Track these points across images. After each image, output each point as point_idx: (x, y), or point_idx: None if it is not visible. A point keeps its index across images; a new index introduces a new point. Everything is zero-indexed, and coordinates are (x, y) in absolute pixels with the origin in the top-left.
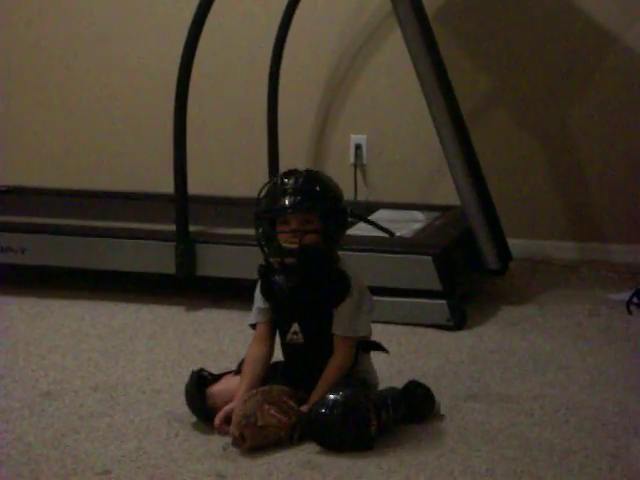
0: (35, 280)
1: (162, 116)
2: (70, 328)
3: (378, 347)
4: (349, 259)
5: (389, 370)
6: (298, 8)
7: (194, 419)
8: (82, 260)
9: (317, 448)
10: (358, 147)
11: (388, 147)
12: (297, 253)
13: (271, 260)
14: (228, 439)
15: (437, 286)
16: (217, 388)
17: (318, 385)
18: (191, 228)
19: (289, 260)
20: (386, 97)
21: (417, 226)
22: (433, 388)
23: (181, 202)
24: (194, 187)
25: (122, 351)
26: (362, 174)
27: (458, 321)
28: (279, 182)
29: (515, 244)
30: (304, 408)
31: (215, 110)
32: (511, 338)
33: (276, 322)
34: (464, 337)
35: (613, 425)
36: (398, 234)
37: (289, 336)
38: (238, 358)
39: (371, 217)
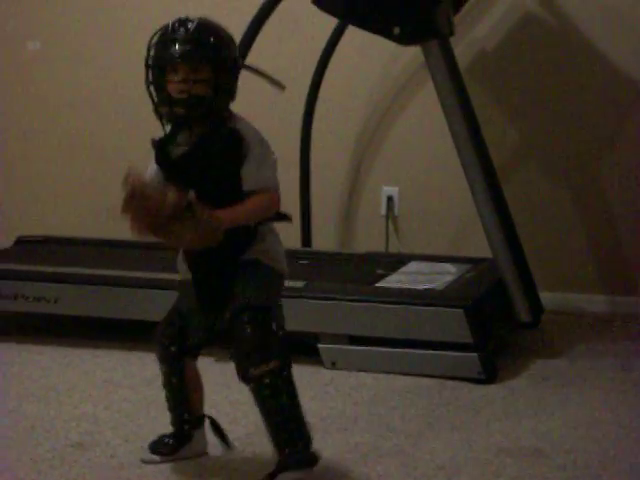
0: (67, 330)
1: None
2: (102, 378)
3: (284, 217)
4: (382, 312)
5: (419, 424)
6: (331, 59)
7: (225, 472)
8: (114, 310)
9: None
10: (390, 199)
11: (420, 199)
12: (186, 103)
13: (160, 110)
14: None
15: (469, 339)
16: None
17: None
18: None
19: (178, 110)
20: (418, 149)
21: (449, 278)
22: (464, 441)
23: None
24: None
25: (153, 402)
26: (394, 226)
27: (489, 374)
28: (169, 30)
29: (547, 297)
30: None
31: None
32: (543, 392)
33: None
34: (495, 391)
35: None
36: (429, 286)
37: None
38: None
39: (402, 269)
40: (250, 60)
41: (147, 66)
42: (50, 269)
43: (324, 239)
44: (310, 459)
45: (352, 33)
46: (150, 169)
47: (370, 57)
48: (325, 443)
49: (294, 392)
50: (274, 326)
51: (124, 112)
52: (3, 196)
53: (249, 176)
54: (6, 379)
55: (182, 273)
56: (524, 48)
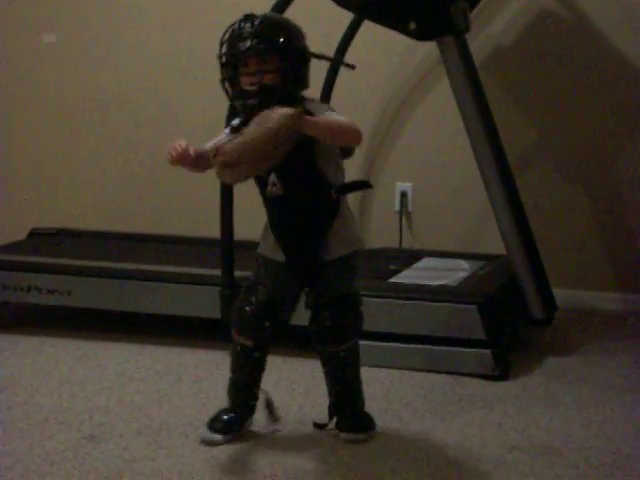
0: (80, 322)
1: None
2: (114, 371)
3: (363, 185)
4: (395, 307)
5: (431, 420)
6: (346, 54)
7: (238, 464)
8: (127, 303)
9: None
10: (404, 195)
11: (434, 195)
12: (257, 93)
13: (235, 103)
14: None
15: (482, 335)
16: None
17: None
18: (236, 273)
19: (251, 101)
20: (432, 145)
21: (462, 275)
22: (477, 438)
23: (227, 247)
24: (239, 232)
25: (166, 395)
26: (407, 222)
27: (502, 371)
28: (237, 27)
29: (561, 294)
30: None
31: None
32: (556, 389)
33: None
34: (508, 387)
35: None
36: (443, 282)
37: (268, 188)
38: (284, 405)
39: (416, 265)
40: None
41: (220, 63)
42: (63, 261)
43: None
44: (368, 424)
45: (367, 28)
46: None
47: (385, 53)
48: (337, 438)
49: (359, 364)
50: (360, 309)
51: (139, 105)
52: (17, 188)
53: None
54: (19, 371)
55: (268, 252)
56: (540, 44)
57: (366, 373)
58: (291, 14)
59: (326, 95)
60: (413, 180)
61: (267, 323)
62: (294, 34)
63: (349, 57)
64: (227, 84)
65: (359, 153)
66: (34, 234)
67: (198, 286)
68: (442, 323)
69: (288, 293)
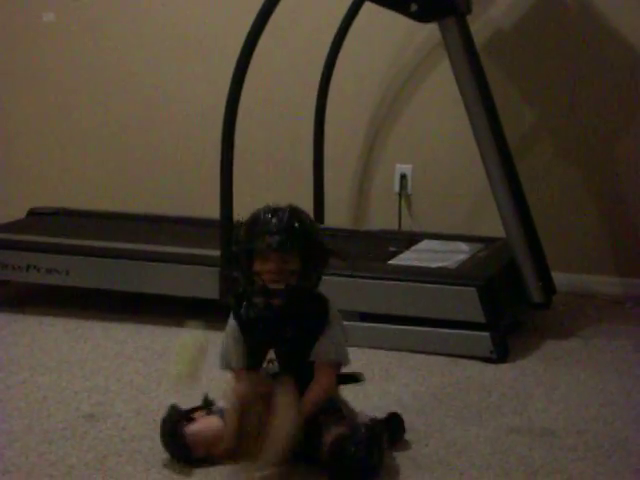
0: (79, 302)
1: (209, 142)
2: (113, 350)
3: (354, 379)
4: (394, 289)
5: (431, 402)
6: (346, 37)
7: None
8: (126, 283)
9: None
10: (403, 177)
11: (433, 177)
12: (284, 294)
13: (254, 300)
14: None
15: (481, 318)
16: (195, 428)
17: (304, 404)
18: None
19: (276, 301)
20: (432, 127)
21: (461, 257)
22: (475, 419)
23: (226, 227)
24: (238, 213)
25: (164, 375)
26: (407, 204)
27: (501, 354)
28: (261, 218)
29: (560, 278)
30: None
31: (261, 137)
32: (554, 372)
33: (247, 350)
34: (507, 370)
35: None
36: (442, 265)
37: (264, 364)
38: None
39: (415, 247)
40: (267, 36)
41: (237, 257)
42: (62, 241)
43: (337, 216)
44: None
45: (367, 11)
46: (231, 339)
47: (385, 35)
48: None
49: None
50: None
51: (138, 85)
52: (16, 168)
53: (323, 348)
54: (18, 350)
55: None
56: (541, 27)
57: (365, 355)
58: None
59: (325, 79)
60: (413, 162)
61: None
62: (318, 234)
63: (350, 39)
64: (243, 278)
65: (359, 135)
66: (33, 213)
67: (197, 266)
68: (441, 305)
69: None
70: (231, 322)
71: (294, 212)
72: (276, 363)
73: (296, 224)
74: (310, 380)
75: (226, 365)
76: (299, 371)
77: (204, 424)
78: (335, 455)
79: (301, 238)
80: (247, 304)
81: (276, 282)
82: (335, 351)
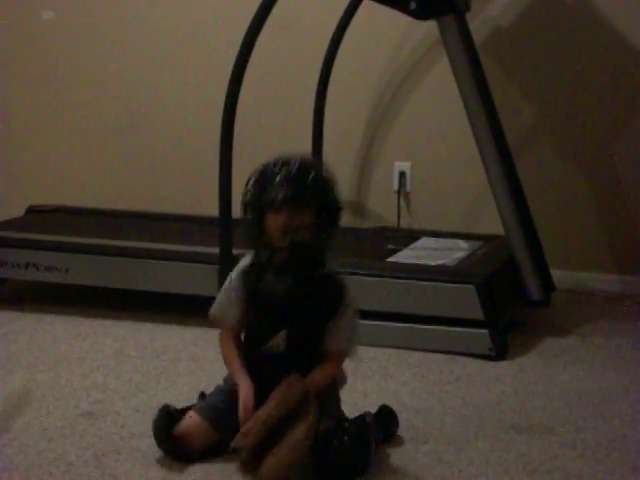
0: (78, 300)
1: (208, 140)
2: (112, 348)
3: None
4: (393, 287)
5: (429, 399)
6: (345, 35)
7: None
8: (125, 281)
9: None
10: (402, 174)
11: (432, 175)
12: (288, 250)
13: (259, 255)
14: None
15: (479, 315)
16: (184, 426)
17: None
18: (233, 251)
19: (280, 256)
20: (431, 125)
21: (460, 255)
22: (474, 417)
23: (225, 225)
24: (237, 211)
25: (163, 372)
26: (406, 201)
27: (500, 351)
28: (270, 171)
29: (558, 275)
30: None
31: (259, 135)
32: (553, 370)
33: (251, 327)
34: (505, 367)
35: None
36: (441, 262)
37: (270, 343)
38: None
39: (414, 245)
40: (265, 35)
41: (246, 207)
42: (61, 239)
43: None
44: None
45: (366, 8)
46: (229, 295)
47: (384, 33)
48: None
49: None
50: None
51: (137, 82)
52: (15, 165)
53: (336, 335)
54: (17, 348)
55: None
56: (540, 25)
57: (364, 352)
58: None
59: (324, 76)
60: (412, 160)
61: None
62: (332, 187)
63: (349, 36)
64: (252, 232)
65: (358, 132)
66: (32, 211)
67: (196, 264)
68: (440, 303)
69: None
70: (234, 277)
71: (306, 163)
72: (283, 344)
73: (309, 175)
74: (313, 365)
75: (219, 315)
76: (304, 355)
77: (190, 422)
78: (319, 450)
79: (313, 191)
80: (257, 269)
81: (284, 238)
82: (347, 339)
